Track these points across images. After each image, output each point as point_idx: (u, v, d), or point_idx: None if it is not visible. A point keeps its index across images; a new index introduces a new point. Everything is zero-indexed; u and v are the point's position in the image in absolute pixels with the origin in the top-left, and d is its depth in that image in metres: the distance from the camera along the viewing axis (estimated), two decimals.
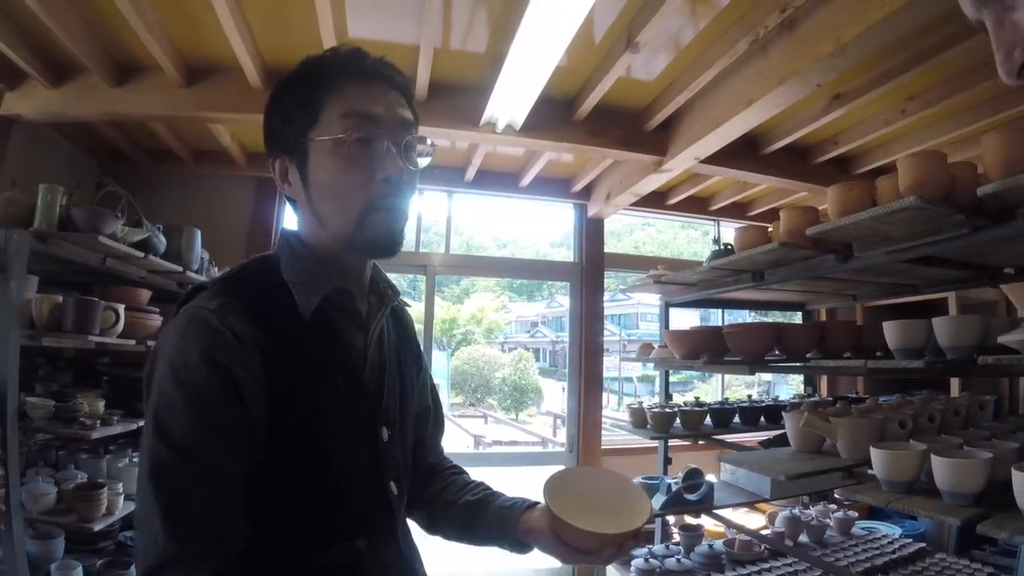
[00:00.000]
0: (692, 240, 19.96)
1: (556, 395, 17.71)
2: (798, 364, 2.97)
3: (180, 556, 0.89)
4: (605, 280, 5.66)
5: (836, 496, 3.89)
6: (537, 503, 1.26)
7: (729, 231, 5.74)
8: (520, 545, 1.24)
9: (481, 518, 1.28)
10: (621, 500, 1.21)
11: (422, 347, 1.46)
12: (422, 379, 1.39)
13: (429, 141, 1.17)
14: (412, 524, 1.31)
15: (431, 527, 1.36)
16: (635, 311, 21.14)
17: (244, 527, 0.97)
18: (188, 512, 0.92)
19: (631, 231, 21.31)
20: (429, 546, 1.32)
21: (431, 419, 1.44)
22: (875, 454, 1.98)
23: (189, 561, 0.90)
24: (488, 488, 1.36)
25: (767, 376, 11.30)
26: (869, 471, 2.07)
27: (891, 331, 2.34)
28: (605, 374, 5.58)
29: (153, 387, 0.99)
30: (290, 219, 4.92)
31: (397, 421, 1.21)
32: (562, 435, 6.11)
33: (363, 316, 1.20)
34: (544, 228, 22.79)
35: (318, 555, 1.05)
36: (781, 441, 3.07)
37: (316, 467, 1.06)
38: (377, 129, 1.08)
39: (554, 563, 4.52)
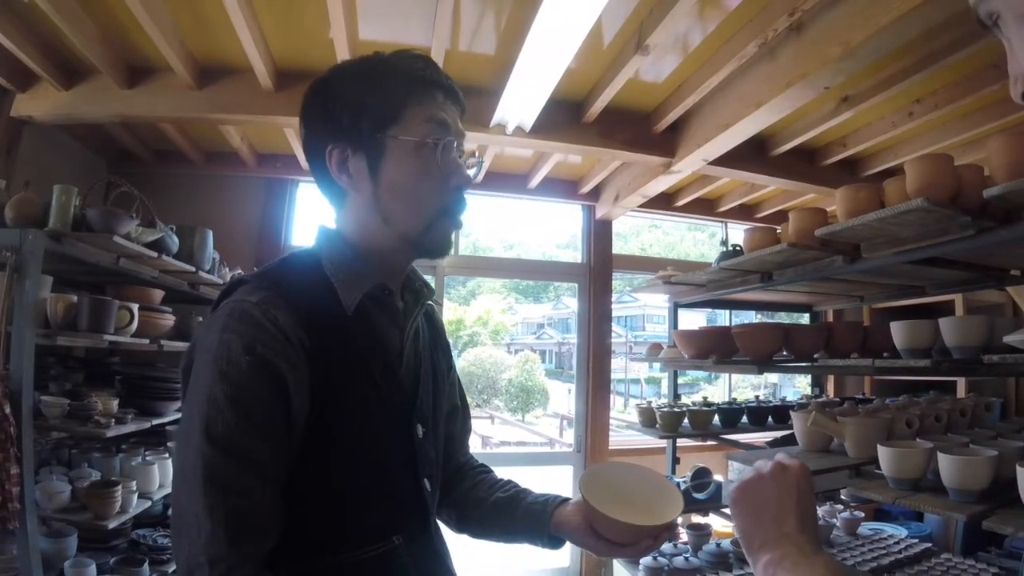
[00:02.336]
0: (699, 243, 19.90)
1: (562, 396, 17.70)
2: (806, 364, 3.00)
3: (222, 554, 0.89)
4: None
5: (843, 497, 3.90)
6: (567, 499, 1.28)
7: (737, 233, 5.75)
8: (552, 540, 1.26)
9: (512, 515, 1.29)
10: (654, 493, 1.24)
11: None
12: (452, 378, 1.40)
13: (478, 156, 1.21)
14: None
15: (460, 525, 1.37)
16: (641, 313, 21.05)
17: (279, 524, 0.98)
18: (230, 509, 0.91)
19: (638, 233, 21.21)
20: (455, 543, 1.33)
21: (460, 417, 1.44)
22: (882, 452, 1.99)
23: (231, 559, 0.90)
24: (517, 485, 1.37)
25: (773, 378, 11.28)
26: (876, 469, 2.08)
27: (898, 331, 2.37)
28: (611, 375, 5.58)
29: (192, 381, 0.99)
30: (303, 220, 4.97)
31: (431, 418, 1.22)
32: (568, 436, 6.13)
33: (400, 313, 1.20)
34: (550, 230, 22.76)
35: (354, 552, 1.05)
36: (789, 441, 3.09)
37: (354, 463, 1.06)
38: (452, 138, 1.13)
39: (557, 563, 4.50)
